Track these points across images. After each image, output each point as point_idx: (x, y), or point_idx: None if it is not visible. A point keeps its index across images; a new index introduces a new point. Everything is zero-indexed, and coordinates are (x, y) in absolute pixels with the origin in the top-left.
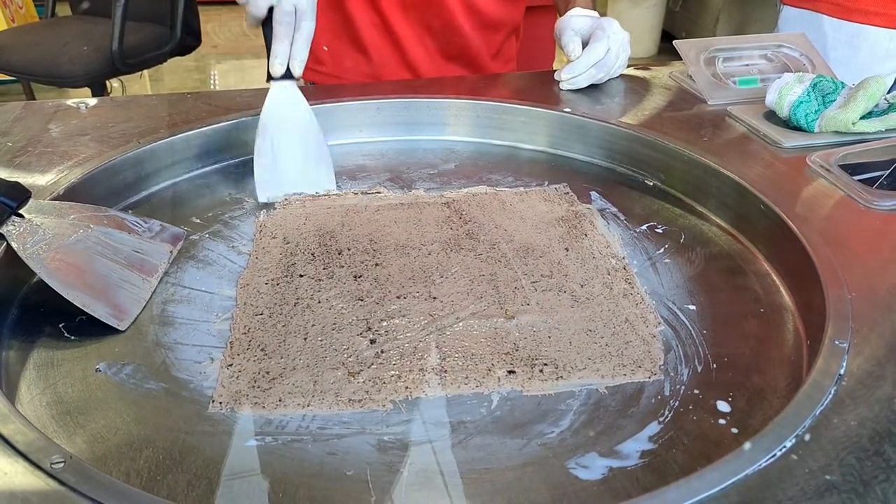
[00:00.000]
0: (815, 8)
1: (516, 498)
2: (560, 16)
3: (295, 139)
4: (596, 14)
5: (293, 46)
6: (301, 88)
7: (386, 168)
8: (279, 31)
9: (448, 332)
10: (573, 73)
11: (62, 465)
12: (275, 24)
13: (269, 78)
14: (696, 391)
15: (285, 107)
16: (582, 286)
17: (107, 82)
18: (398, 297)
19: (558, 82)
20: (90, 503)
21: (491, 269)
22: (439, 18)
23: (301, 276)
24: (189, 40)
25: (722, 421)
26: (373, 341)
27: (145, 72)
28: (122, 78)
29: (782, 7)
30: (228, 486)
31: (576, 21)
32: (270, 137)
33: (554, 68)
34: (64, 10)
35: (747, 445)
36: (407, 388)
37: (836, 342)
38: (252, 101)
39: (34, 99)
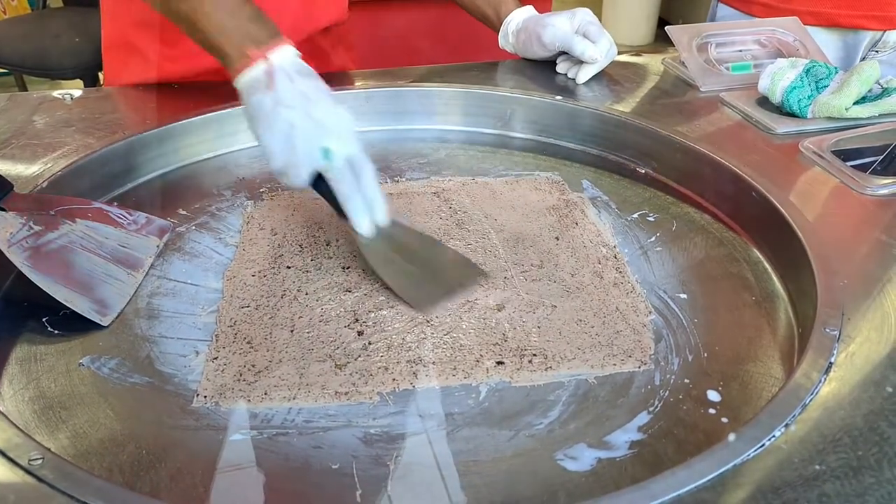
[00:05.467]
0: (748, 10)
1: (504, 490)
2: (497, 19)
3: (423, 261)
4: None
5: (366, 198)
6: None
7: (375, 157)
8: (345, 192)
9: (436, 323)
10: (593, 72)
11: (40, 461)
12: (333, 183)
13: (359, 235)
14: (686, 381)
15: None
16: (572, 275)
17: (99, 74)
18: (387, 289)
19: (552, 70)
20: (69, 500)
21: (480, 258)
22: None
23: (288, 267)
24: None
25: (712, 410)
26: (360, 333)
27: None
28: None
29: (718, 5)
30: (213, 480)
31: (561, 22)
32: (396, 279)
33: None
34: (56, 1)
35: (734, 436)
36: (394, 380)
37: (827, 330)
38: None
39: (26, 91)
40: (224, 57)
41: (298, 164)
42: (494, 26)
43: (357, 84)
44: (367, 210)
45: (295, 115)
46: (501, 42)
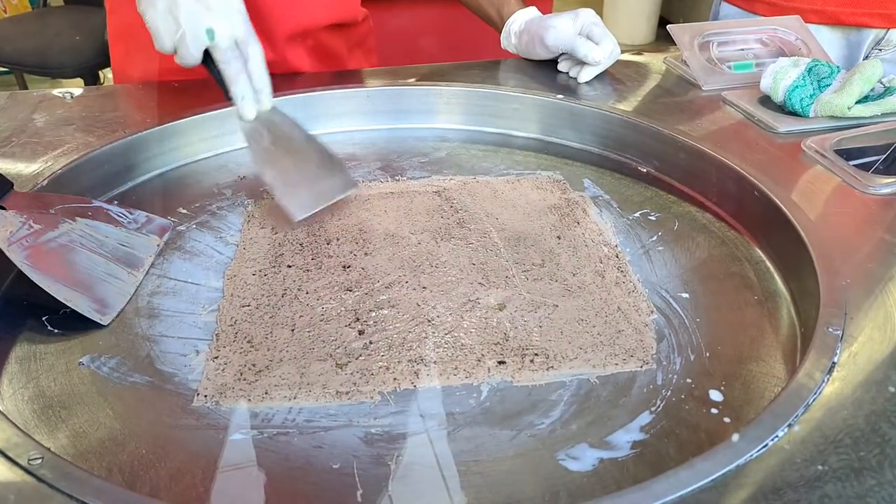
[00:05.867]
0: (752, 9)
1: (505, 490)
2: (499, 19)
3: (299, 159)
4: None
5: (252, 79)
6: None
7: (376, 156)
8: (230, 71)
9: (437, 323)
10: (595, 72)
11: (40, 461)
12: (221, 65)
13: (241, 119)
14: (688, 380)
15: (271, 136)
16: (574, 275)
17: (100, 72)
18: (387, 288)
19: (554, 68)
20: (68, 500)
21: (482, 258)
22: None
23: (289, 266)
24: None
25: (714, 410)
26: (361, 332)
27: None
28: None
29: (722, 4)
30: (213, 480)
31: (564, 24)
32: (272, 171)
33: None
34: None
35: (738, 436)
36: (395, 379)
37: (830, 329)
38: None
39: (27, 89)
40: None
41: (185, 43)
42: (497, 27)
43: (358, 83)
44: (252, 93)
45: None
46: (504, 43)
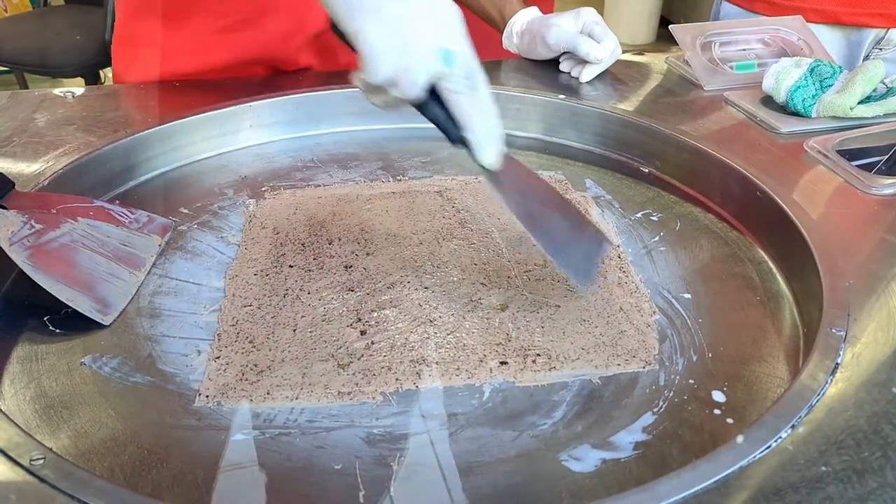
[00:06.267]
0: (752, 8)
1: (507, 491)
2: (501, 20)
3: (556, 212)
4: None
5: (485, 115)
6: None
7: (378, 156)
8: (467, 104)
9: (439, 323)
10: (597, 72)
11: (42, 461)
12: (455, 95)
13: (485, 167)
14: (691, 381)
15: (522, 186)
16: None
17: (100, 72)
18: (389, 288)
19: (556, 69)
20: (70, 500)
21: (484, 258)
22: None
23: (291, 266)
24: None
25: (717, 411)
26: (363, 332)
27: None
28: None
29: (722, 3)
30: (215, 480)
31: (565, 23)
32: (542, 230)
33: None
34: None
35: (741, 437)
36: (397, 379)
37: (833, 330)
38: (239, 90)
39: (28, 89)
40: None
41: (412, 67)
42: (499, 27)
43: None
44: (492, 135)
45: (407, 5)
46: (505, 43)
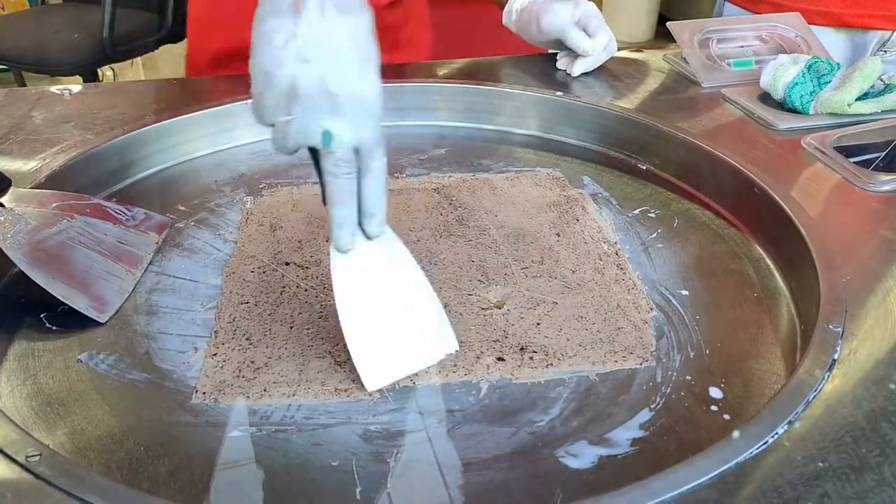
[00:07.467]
0: (756, 10)
1: (504, 487)
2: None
3: (391, 310)
4: None
5: (365, 201)
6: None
7: None
8: (336, 190)
9: None
10: (587, 67)
11: (38, 458)
12: (328, 176)
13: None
14: (688, 377)
15: (367, 273)
16: (573, 272)
17: (98, 70)
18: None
19: (553, 66)
20: (66, 497)
21: (481, 255)
22: None
23: (287, 264)
24: (181, 28)
25: (714, 408)
26: None
27: (138, 60)
28: (114, 66)
29: (725, 4)
30: (212, 477)
31: (562, 10)
32: (354, 322)
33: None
34: None
35: (738, 434)
36: None
37: (830, 326)
38: (237, 87)
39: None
40: None
41: (289, 135)
42: (501, 3)
43: None
44: (354, 222)
45: (304, 74)
46: (505, 19)
